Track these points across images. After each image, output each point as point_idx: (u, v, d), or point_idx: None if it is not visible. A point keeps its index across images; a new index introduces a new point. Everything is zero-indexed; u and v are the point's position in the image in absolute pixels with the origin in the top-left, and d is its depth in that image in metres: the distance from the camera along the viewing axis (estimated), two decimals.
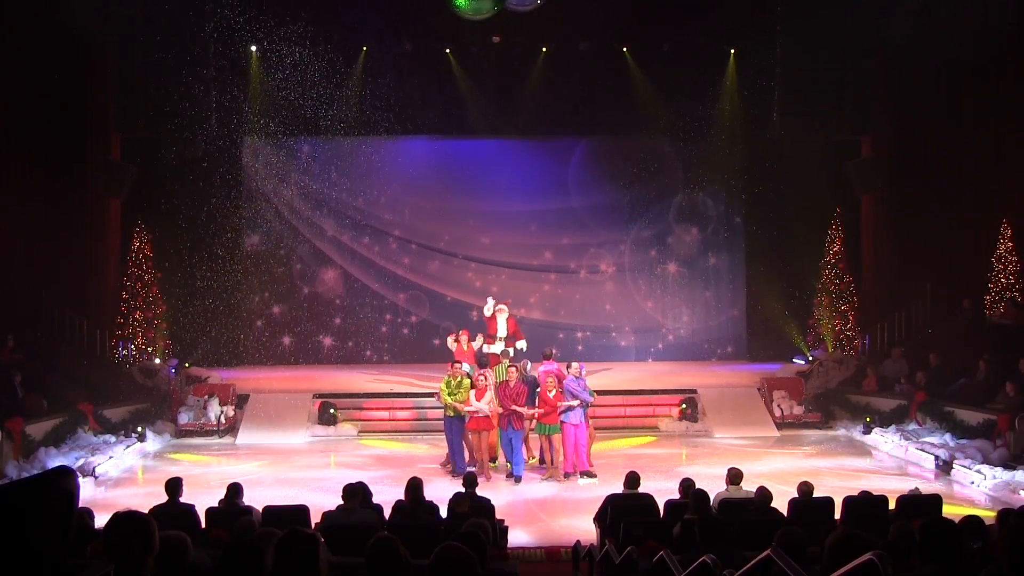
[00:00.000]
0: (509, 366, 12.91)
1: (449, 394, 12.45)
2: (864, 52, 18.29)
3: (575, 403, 12.10)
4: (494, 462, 12.84)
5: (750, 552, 5.05)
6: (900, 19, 17.54)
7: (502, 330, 15.14)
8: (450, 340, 14.51)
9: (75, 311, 16.95)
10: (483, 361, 13.36)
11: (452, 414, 12.50)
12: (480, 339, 14.49)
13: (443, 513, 8.16)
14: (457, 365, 12.88)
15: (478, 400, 12.25)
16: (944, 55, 16.77)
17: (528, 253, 20.71)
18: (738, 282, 20.80)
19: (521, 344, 14.93)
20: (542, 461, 12.78)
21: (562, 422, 12.12)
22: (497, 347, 14.99)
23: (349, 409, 16.22)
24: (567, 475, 12.16)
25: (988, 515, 7.30)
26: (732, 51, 19.59)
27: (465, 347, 14.72)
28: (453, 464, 12.53)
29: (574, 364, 12.65)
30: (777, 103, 19.01)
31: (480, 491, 9.03)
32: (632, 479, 9.22)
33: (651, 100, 19.50)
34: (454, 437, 12.55)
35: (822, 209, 19.00)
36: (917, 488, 10.05)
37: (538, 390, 12.29)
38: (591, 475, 12.13)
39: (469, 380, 12.57)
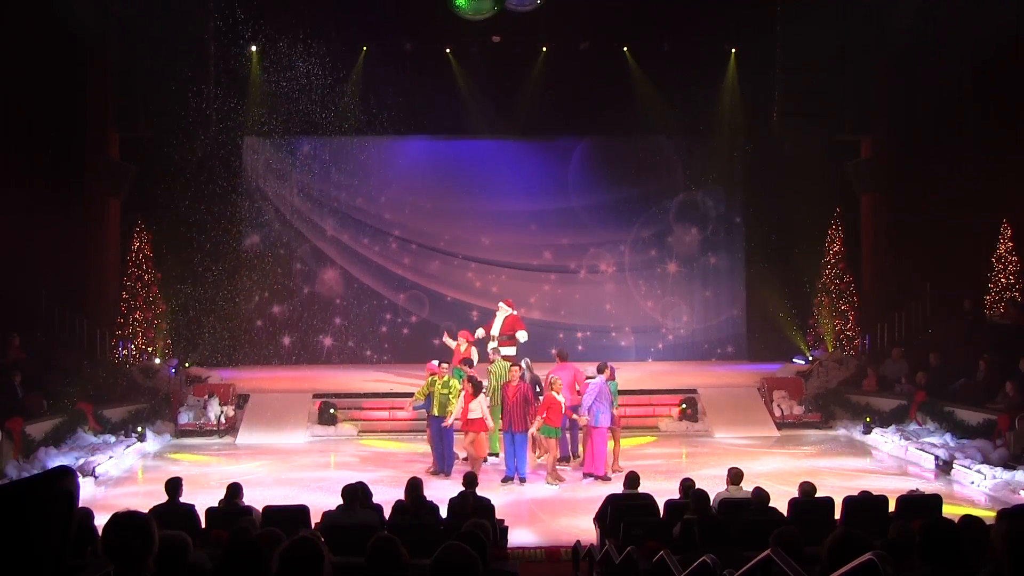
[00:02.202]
0: (512, 366, 12.89)
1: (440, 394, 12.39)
2: (864, 52, 18.30)
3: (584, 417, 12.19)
4: (485, 460, 12.85)
5: (750, 552, 5.05)
6: (900, 19, 17.54)
7: (495, 328, 15.21)
8: (445, 337, 14.64)
9: (75, 311, 16.94)
10: (469, 363, 13.34)
11: (438, 413, 12.45)
12: (480, 331, 14.63)
13: (443, 513, 8.16)
14: (443, 366, 12.83)
15: (467, 404, 12.16)
16: (944, 55, 16.77)
17: (528, 253, 20.71)
18: (738, 282, 20.80)
19: (521, 335, 14.91)
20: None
21: (592, 425, 12.16)
22: (491, 345, 15.10)
23: (349, 409, 16.22)
24: (599, 477, 12.13)
25: (988, 515, 7.29)
26: (732, 51, 19.60)
27: (463, 349, 14.77)
28: (435, 464, 12.52)
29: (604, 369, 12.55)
30: (777, 103, 19.02)
31: (480, 491, 9.03)
32: (632, 479, 9.23)
33: (651, 100, 19.50)
34: (435, 436, 12.55)
35: (822, 209, 18.99)
36: (917, 488, 10.06)
37: (540, 391, 12.30)
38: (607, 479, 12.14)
39: (457, 384, 12.50)
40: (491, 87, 19.60)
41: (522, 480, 12.08)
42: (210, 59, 18.17)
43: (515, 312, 15.69)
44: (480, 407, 12.22)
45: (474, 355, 14.75)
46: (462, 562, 3.35)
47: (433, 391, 12.56)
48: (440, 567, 3.35)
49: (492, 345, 15.30)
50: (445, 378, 12.57)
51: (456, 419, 12.20)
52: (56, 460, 12.73)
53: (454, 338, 14.88)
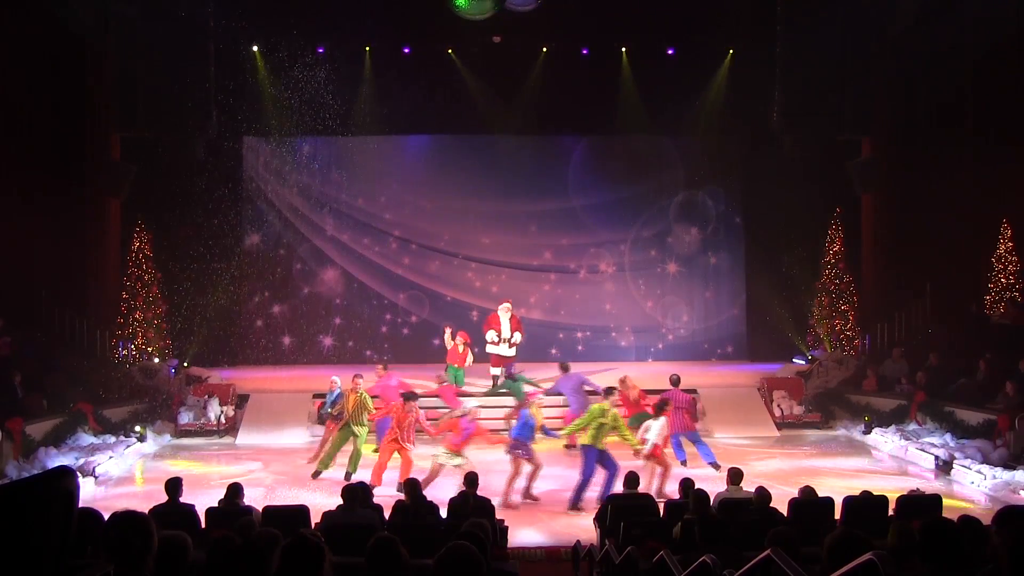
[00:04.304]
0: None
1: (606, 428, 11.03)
2: (864, 52, 18.29)
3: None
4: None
5: (750, 552, 5.05)
6: (900, 19, 17.54)
7: (506, 330, 15.31)
8: (447, 336, 14.66)
9: (75, 311, 16.95)
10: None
11: (599, 446, 10.96)
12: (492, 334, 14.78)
13: (443, 513, 8.17)
14: (613, 397, 11.39)
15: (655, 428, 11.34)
16: (944, 54, 16.78)
17: (528, 253, 20.69)
18: (738, 282, 20.78)
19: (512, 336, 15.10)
20: None
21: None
22: (501, 348, 15.16)
23: None
24: None
25: (988, 515, 7.29)
26: (731, 51, 19.60)
27: (461, 349, 14.82)
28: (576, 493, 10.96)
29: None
30: (777, 103, 19.01)
31: (480, 491, 9.03)
32: (631, 479, 9.22)
33: (651, 100, 19.48)
34: (591, 466, 10.96)
35: (822, 209, 18.99)
36: (917, 488, 10.05)
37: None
38: None
39: (620, 415, 11.38)
40: (491, 87, 19.59)
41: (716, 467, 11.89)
42: (210, 59, 18.17)
43: (513, 313, 15.77)
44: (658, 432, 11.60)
45: (470, 359, 14.77)
46: (467, 561, 3.35)
47: (604, 422, 10.95)
48: (444, 567, 3.34)
49: (504, 348, 15.33)
50: (614, 410, 11.12)
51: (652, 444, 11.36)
52: (56, 460, 12.73)
53: (454, 338, 14.95)
